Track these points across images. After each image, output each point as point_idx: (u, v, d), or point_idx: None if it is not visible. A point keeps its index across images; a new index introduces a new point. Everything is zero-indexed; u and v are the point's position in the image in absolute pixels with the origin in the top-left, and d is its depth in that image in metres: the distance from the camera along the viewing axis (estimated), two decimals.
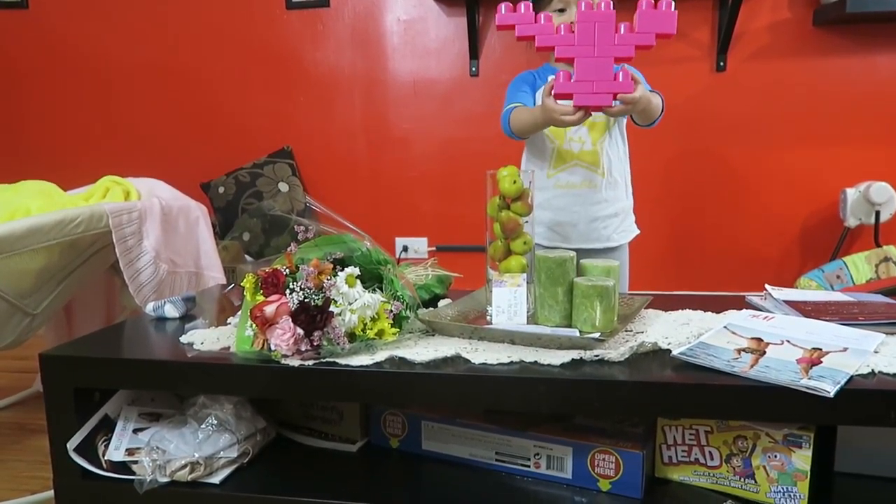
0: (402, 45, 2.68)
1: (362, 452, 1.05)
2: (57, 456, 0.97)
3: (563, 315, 1.01)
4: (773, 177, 2.53)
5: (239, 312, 1.01)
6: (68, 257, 1.55)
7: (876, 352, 0.88)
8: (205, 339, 1.01)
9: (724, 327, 0.98)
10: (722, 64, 2.48)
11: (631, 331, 1.01)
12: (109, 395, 1.03)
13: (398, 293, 0.98)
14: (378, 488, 0.95)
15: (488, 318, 1.03)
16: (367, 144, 2.77)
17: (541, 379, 0.83)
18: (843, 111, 2.45)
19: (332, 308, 0.89)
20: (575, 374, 0.84)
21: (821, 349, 0.88)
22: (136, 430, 1.01)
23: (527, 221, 1.04)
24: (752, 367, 0.82)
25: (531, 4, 1.22)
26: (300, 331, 0.87)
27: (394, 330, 0.94)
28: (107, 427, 1.01)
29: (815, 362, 0.83)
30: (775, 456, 0.85)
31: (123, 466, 0.97)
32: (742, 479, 0.88)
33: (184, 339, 1.02)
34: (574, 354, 0.88)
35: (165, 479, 0.94)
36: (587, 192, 1.56)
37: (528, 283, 1.01)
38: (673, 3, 1.16)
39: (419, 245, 2.78)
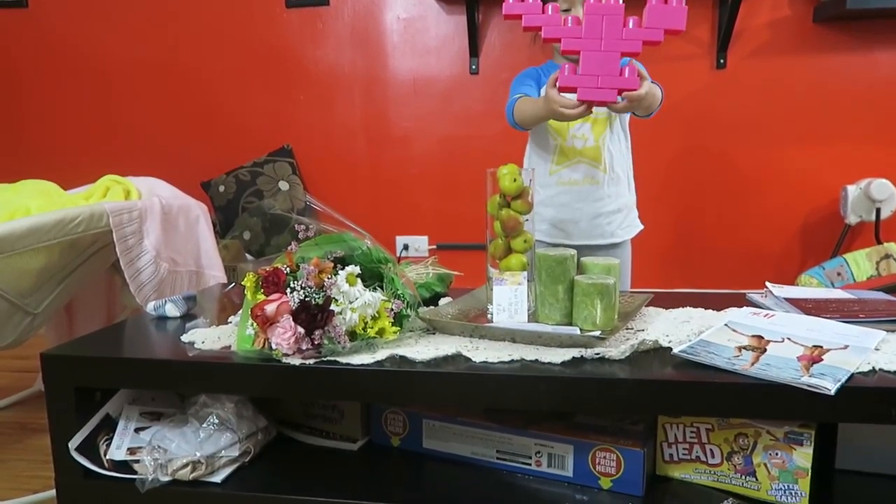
0: (401, 43, 2.68)
1: (363, 451, 1.05)
2: (58, 455, 0.98)
3: (563, 313, 1.01)
4: (774, 174, 2.53)
5: (240, 311, 1.01)
6: (69, 257, 1.55)
7: (877, 349, 0.88)
8: (206, 338, 1.01)
9: (725, 325, 0.98)
10: (722, 61, 2.48)
11: (632, 329, 1.01)
12: (111, 394, 1.03)
13: (399, 292, 0.98)
14: (379, 487, 0.95)
15: (489, 316, 1.03)
16: (368, 143, 2.77)
17: (541, 377, 0.83)
18: (843, 108, 2.45)
19: (332, 307, 0.89)
20: (576, 372, 0.84)
21: (821, 347, 0.88)
22: (137, 430, 1.01)
23: (527, 219, 1.03)
24: (752, 364, 0.82)
25: None
26: (301, 329, 0.87)
27: (394, 328, 0.94)
28: (108, 426, 1.01)
29: (815, 360, 0.83)
30: (776, 453, 0.85)
31: (125, 466, 0.97)
32: (743, 477, 0.88)
33: (185, 338, 1.02)
34: (575, 352, 0.88)
35: (167, 479, 0.94)
36: (590, 189, 1.56)
37: (528, 281, 1.01)
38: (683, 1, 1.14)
39: (420, 243, 2.78)
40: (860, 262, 2.26)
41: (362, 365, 0.88)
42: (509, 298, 1.00)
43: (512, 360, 0.87)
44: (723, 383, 0.80)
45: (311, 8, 2.70)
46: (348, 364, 0.88)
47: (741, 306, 1.12)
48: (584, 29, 1.16)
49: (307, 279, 0.89)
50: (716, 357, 0.85)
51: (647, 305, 1.13)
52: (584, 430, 0.93)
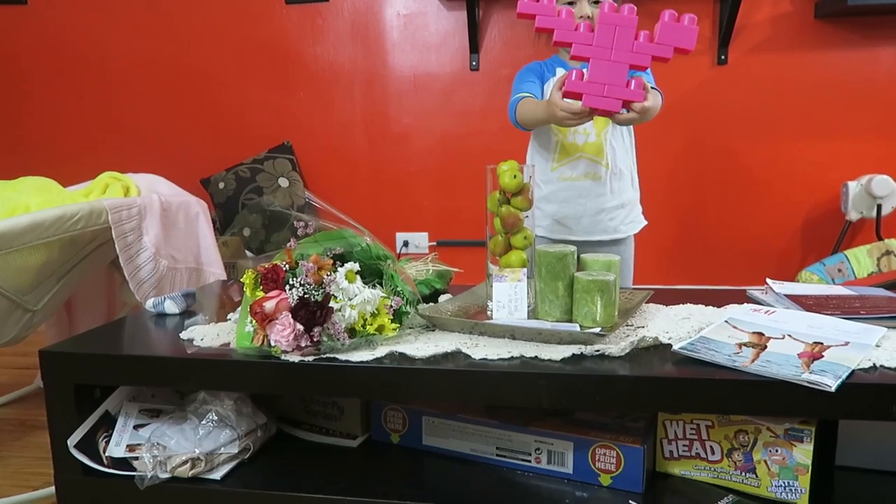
0: (401, 39, 2.68)
1: (363, 448, 1.05)
2: (58, 452, 0.98)
3: (563, 310, 1.01)
4: (775, 170, 2.53)
5: (239, 308, 1.01)
6: (68, 254, 1.55)
7: (877, 346, 0.88)
8: (205, 335, 1.01)
9: (725, 321, 0.97)
10: (723, 57, 2.48)
11: (632, 325, 1.01)
12: (110, 391, 1.03)
13: (398, 288, 0.98)
14: (379, 483, 0.95)
15: (489, 313, 1.02)
16: (368, 139, 2.76)
17: (541, 374, 0.83)
18: (844, 104, 2.45)
19: (331, 304, 0.89)
20: (575, 368, 0.84)
21: (822, 343, 0.87)
22: (136, 427, 1.00)
23: (527, 216, 1.03)
24: (753, 361, 0.82)
25: None
26: (300, 326, 0.87)
27: (394, 325, 0.94)
28: (107, 423, 1.01)
29: (816, 356, 0.83)
30: (776, 450, 0.85)
31: (124, 463, 0.97)
32: (743, 474, 0.88)
33: (184, 335, 1.02)
34: (575, 349, 0.88)
35: (166, 475, 0.94)
36: (591, 185, 1.55)
37: (528, 277, 1.01)
38: (696, 20, 1.14)
39: (419, 240, 2.78)
40: (861, 259, 2.25)
41: (362, 362, 0.87)
42: (509, 295, 1.00)
43: (512, 357, 0.87)
44: (723, 380, 0.80)
45: (311, 4, 2.70)
46: (348, 361, 0.88)
47: (742, 303, 1.12)
48: (595, 37, 1.17)
49: (306, 276, 0.89)
50: (716, 354, 0.84)
51: (647, 302, 1.13)
52: (584, 427, 0.93)
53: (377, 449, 1.05)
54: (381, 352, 0.90)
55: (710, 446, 0.89)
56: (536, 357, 0.87)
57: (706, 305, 1.12)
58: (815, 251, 2.54)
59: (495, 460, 0.97)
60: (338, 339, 0.89)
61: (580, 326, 0.97)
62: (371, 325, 0.92)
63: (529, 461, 0.95)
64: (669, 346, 0.89)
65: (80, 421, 0.98)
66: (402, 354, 0.89)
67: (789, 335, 0.91)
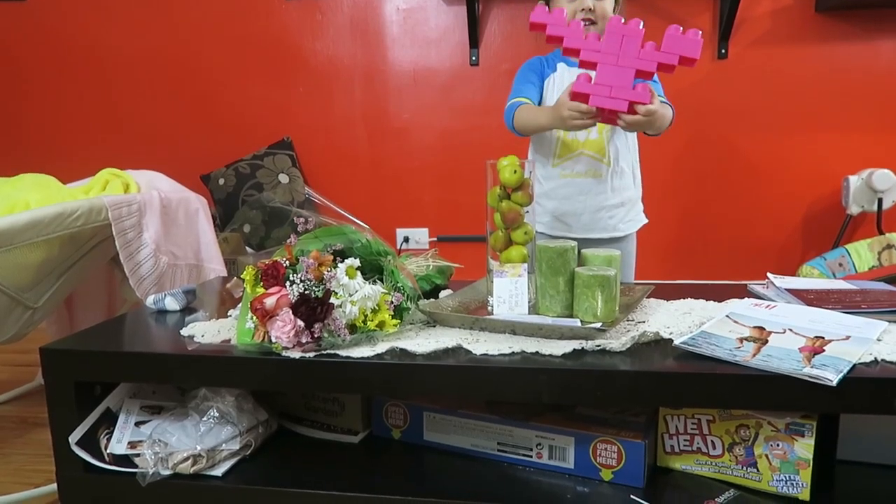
0: (401, 34, 2.67)
1: (364, 443, 1.06)
2: (59, 449, 0.98)
3: (564, 305, 1.01)
4: (775, 164, 2.52)
5: (239, 305, 1.01)
6: (68, 250, 1.55)
7: (879, 340, 0.88)
8: (205, 331, 1.01)
9: (726, 316, 0.97)
10: (724, 51, 2.47)
11: (632, 320, 1.01)
12: (111, 388, 1.03)
13: (399, 284, 0.98)
14: (380, 479, 0.95)
15: (489, 308, 1.02)
16: (368, 135, 2.76)
17: (542, 369, 0.83)
18: (845, 98, 2.44)
19: (332, 300, 0.88)
20: (576, 364, 0.84)
21: (823, 337, 0.87)
22: (137, 423, 1.01)
23: (527, 211, 1.03)
24: (754, 355, 0.82)
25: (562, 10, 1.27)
26: (301, 323, 0.87)
27: (395, 321, 0.94)
28: (108, 420, 1.01)
29: (817, 351, 0.83)
30: (778, 444, 0.85)
31: (126, 459, 0.98)
32: (744, 468, 0.88)
33: (184, 331, 1.02)
34: (575, 344, 0.88)
35: (168, 472, 0.95)
36: (592, 182, 1.55)
37: (529, 273, 1.01)
38: (700, 32, 1.19)
39: (420, 236, 2.78)
40: (862, 253, 2.25)
41: (362, 358, 0.87)
42: (510, 290, 1.00)
43: (512, 353, 0.87)
44: (724, 375, 0.80)
45: None
46: (348, 357, 0.88)
47: (742, 297, 1.12)
48: (603, 43, 1.21)
49: (307, 272, 0.89)
50: (717, 348, 0.84)
51: (648, 297, 1.13)
52: (585, 422, 0.93)
53: (378, 445, 1.05)
54: (381, 348, 0.90)
55: (712, 441, 0.90)
56: (537, 352, 0.87)
57: (707, 300, 1.12)
58: (815, 245, 2.54)
59: (496, 455, 0.97)
60: (338, 336, 0.89)
61: (581, 322, 0.97)
62: (372, 321, 0.92)
63: (531, 456, 0.95)
64: (670, 340, 0.89)
65: (82, 418, 0.98)
66: (402, 350, 0.89)
67: (790, 329, 0.91)
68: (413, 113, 2.71)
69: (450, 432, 1.01)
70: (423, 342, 0.91)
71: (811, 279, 1.27)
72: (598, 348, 0.87)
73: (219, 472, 0.96)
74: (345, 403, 1.08)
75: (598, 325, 0.93)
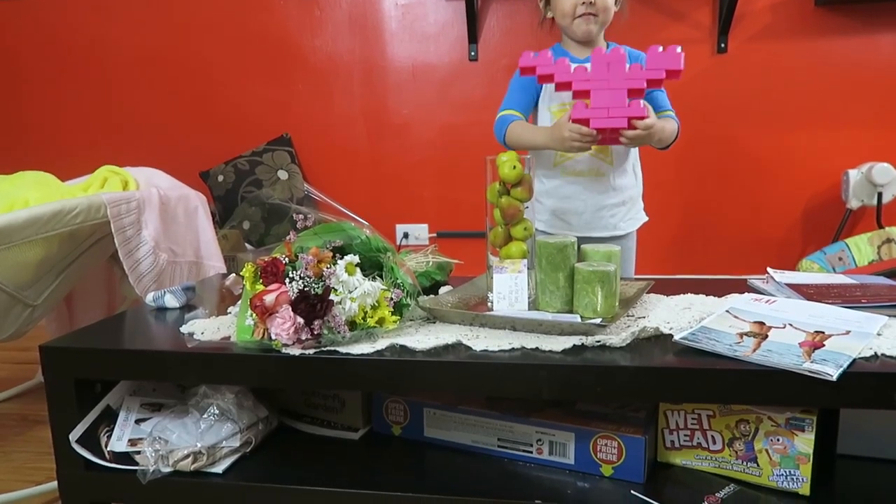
0: (400, 29, 2.66)
1: (364, 440, 1.06)
2: (60, 447, 0.98)
3: (564, 301, 1.01)
4: (775, 158, 2.52)
5: (239, 302, 1.01)
6: (67, 248, 1.55)
7: (879, 334, 0.88)
8: (205, 328, 1.01)
9: (726, 311, 0.97)
10: (723, 45, 2.46)
11: (632, 316, 1.01)
12: (111, 385, 1.03)
13: (398, 281, 0.98)
14: (380, 476, 0.95)
15: (489, 304, 1.02)
16: (367, 131, 2.75)
17: (542, 365, 0.83)
18: (845, 92, 2.44)
19: (332, 296, 0.88)
20: (576, 359, 0.84)
21: (823, 332, 0.87)
22: (138, 421, 1.01)
23: (527, 207, 1.03)
24: (754, 351, 0.82)
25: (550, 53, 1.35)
26: (300, 319, 0.87)
27: (394, 318, 0.94)
28: (109, 418, 1.01)
29: (817, 345, 0.83)
30: (778, 439, 0.85)
31: (126, 457, 0.98)
32: (744, 463, 0.88)
33: (184, 329, 1.02)
34: (575, 340, 0.88)
35: (168, 469, 0.95)
36: (594, 181, 1.55)
37: (528, 268, 1.01)
38: (679, 47, 1.28)
39: (420, 232, 2.78)
40: (862, 247, 2.25)
41: (362, 354, 0.87)
42: (509, 286, 1.00)
43: (512, 349, 0.87)
44: (724, 370, 0.80)
45: None
46: (348, 354, 0.88)
47: (742, 292, 1.12)
48: (591, 73, 1.31)
49: (306, 269, 0.89)
50: (717, 344, 0.84)
51: (648, 292, 1.12)
52: (585, 418, 0.93)
53: (379, 441, 1.05)
54: (381, 344, 0.90)
55: (712, 436, 0.90)
56: (537, 348, 0.87)
57: (707, 295, 1.12)
58: (815, 240, 2.54)
59: (497, 451, 0.97)
60: (338, 332, 0.89)
61: (581, 317, 0.97)
62: (371, 317, 0.92)
63: (531, 452, 0.95)
64: (670, 336, 0.89)
65: (82, 416, 0.98)
66: (402, 347, 0.89)
67: (790, 324, 0.91)
68: (412, 109, 2.71)
69: (450, 428, 1.01)
70: (422, 338, 0.91)
71: (811, 274, 1.27)
72: (598, 344, 0.87)
73: (219, 469, 0.96)
74: (345, 400, 1.08)
75: (598, 320, 0.93)
